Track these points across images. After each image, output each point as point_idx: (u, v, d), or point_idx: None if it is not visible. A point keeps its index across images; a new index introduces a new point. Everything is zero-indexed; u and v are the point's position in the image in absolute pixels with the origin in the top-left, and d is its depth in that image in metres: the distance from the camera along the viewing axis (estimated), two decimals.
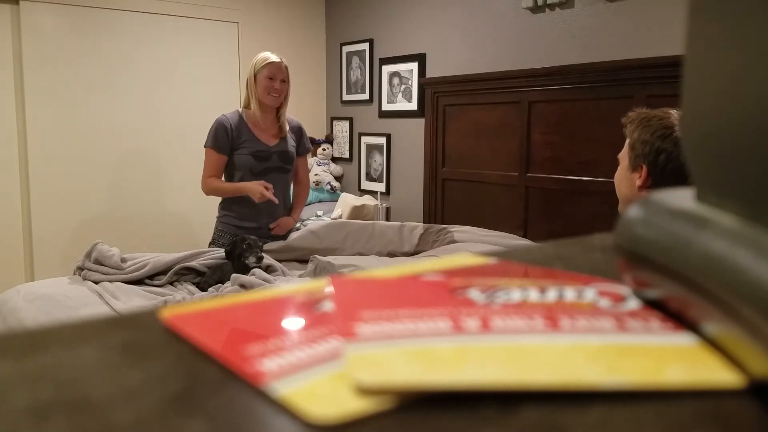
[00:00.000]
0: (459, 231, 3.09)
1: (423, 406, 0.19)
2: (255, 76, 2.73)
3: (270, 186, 2.66)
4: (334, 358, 0.23)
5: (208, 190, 2.75)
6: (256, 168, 2.72)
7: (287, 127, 2.82)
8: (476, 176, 3.59)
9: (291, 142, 2.82)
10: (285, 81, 2.75)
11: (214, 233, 2.85)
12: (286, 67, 2.75)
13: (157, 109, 4.25)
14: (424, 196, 3.91)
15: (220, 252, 2.54)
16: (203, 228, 2.90)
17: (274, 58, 2.74)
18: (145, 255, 2.57)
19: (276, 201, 2.68)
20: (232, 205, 2.77)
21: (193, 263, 2.50)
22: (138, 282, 2.43)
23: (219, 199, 2.83)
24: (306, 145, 2.95)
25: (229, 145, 2.71)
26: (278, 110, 2.79)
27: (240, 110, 2.80)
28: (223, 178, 2.79)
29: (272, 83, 2.71)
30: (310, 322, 0.27)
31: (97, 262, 2.46)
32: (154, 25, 4.19)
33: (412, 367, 0.21)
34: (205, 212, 2.90)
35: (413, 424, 0.18)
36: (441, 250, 2.98)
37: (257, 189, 2.63)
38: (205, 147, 2.74)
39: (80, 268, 2.50)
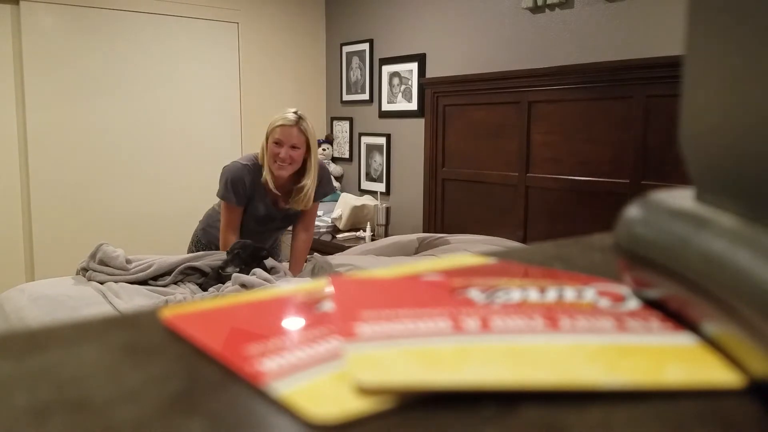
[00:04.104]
0: (456, 241, 3.09)
1: (423, 406, 0.19)
2: (267, 136, 2.37)
3: None
4: (334, 358, 0.23)
5: (223, 245, 2.49)
6: (256, 228, 2.53)
7: (310, 201, 2.45)
8: (476, 176, 3.58)
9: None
10: (297, 147, 2.32)
11: (193, 237, 2.72)
12: (305, 130, 2.34)
13: (158, 109, 4.25)
14: (424, 196, 3.91)
15: (224, 253, 2.53)
16: None
17: (288, 118, 2.33)
18: (151, 256, 2.57)
19: None
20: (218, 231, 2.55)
21: (198, 263, 2.49)
22: (143, 282, 2.43)
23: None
24: (324, 189, 2.55)
25: (246, 196, 2.44)
26: (298, 176, 2.41)
27: (258, 159, 2.45)
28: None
29: (278, 149, 2.31)
30: (310, 322, 0.27)
31: (102, 262, 2.46)
32: (154, 25, 4.19)
33: (413, 367, 0.21)
34: None
35: (413, 424, 0.18)
36: (440, 250, 2.98)
37: None
38: (221, 199, 2.46)
39: (84, 269, 2.49)
